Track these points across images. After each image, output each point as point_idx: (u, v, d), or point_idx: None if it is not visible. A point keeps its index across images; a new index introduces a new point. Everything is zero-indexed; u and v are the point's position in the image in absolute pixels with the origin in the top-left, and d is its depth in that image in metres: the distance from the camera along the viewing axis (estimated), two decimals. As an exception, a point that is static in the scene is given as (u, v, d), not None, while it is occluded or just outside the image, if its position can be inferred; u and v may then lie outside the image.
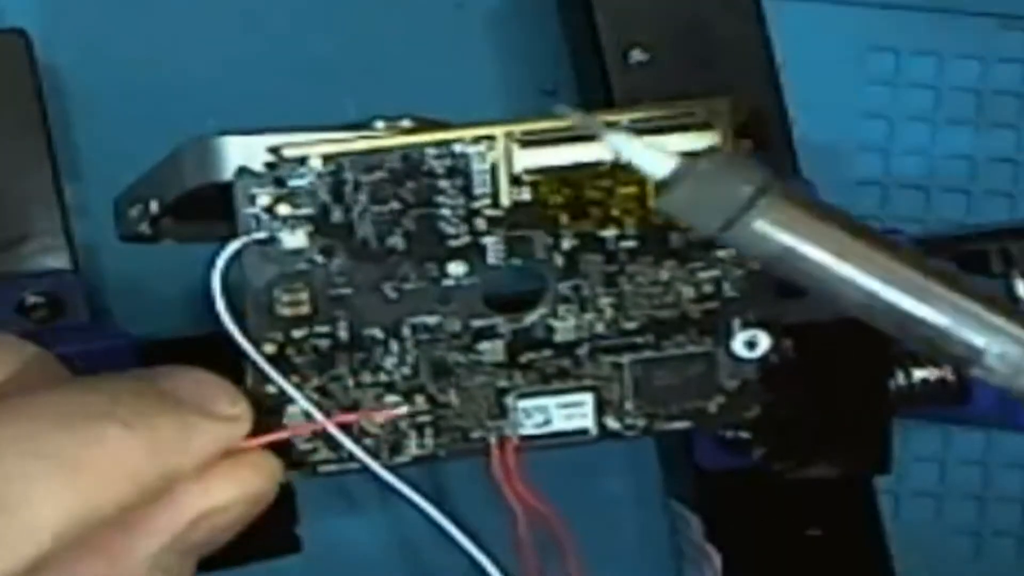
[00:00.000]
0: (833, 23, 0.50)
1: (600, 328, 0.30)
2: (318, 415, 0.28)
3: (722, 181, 0.24)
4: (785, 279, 0.25)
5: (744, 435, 0.34)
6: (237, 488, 0.25)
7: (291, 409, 0.29)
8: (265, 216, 0.28)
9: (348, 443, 0.29)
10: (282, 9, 0.48)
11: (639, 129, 0.29)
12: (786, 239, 0.24)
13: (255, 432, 0.26)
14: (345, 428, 0.29)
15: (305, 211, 0.28)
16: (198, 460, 0.24)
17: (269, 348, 0.29)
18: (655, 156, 0.25)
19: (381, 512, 0.46)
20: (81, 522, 0.23)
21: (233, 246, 0.28)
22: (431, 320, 0.29)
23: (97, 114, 0.46)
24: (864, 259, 0.24)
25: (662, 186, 0.25)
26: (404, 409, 0.29)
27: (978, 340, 0.23)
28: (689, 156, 0.25)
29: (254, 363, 0.28)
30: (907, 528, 0.48)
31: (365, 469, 0.29)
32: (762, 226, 0.24)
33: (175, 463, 0.24)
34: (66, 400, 0.24)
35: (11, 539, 0.22)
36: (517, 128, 0.29)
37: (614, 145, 0.26)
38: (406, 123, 0.29)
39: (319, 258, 0.29)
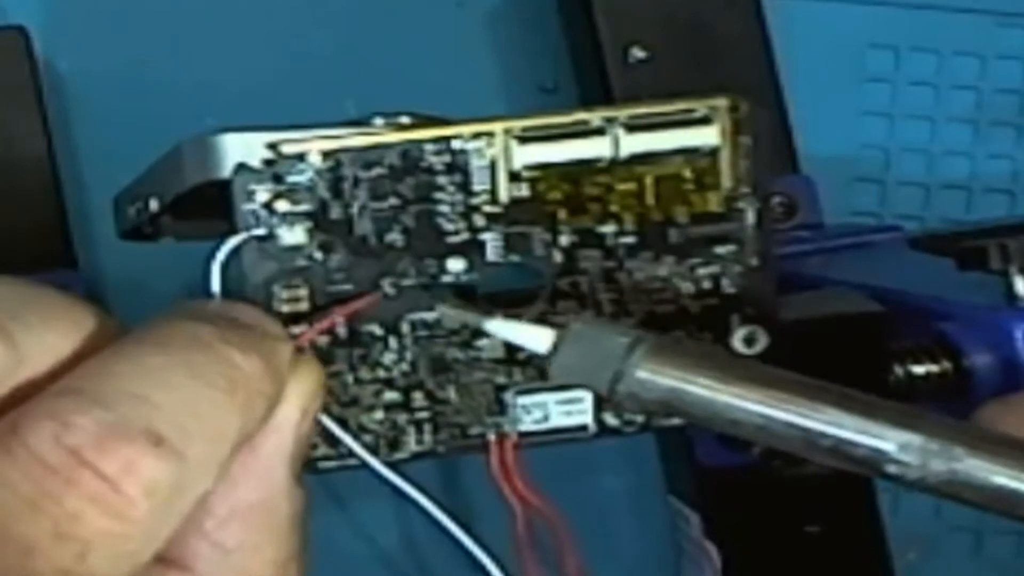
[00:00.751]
0: (832, 20, 0.50)
1: (599, 324, 0.30)
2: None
3: (598, 338, 0.26)
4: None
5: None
6: (310, 381, 0.27)
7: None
8: (264, 212, 0.28)
9: (347, 439, 0.29)
10: (282, 9, 0.48)
11: (638, 127, 0.29)
12: (674, 380, 0.25)
13: None
14: (344, 424, 0.29)
15: (304, 207, 0.28)
16: (285, 373, 0.27)
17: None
18: (533, 333, 0.27)
19: (381, 508, 0.46)
20: (239, 440, 0.25)
21: (232, 242, 0.28)
22: (430, 316, 0.29)
23: (97, 114, 0.46)
24: (753, 385, 0.25)
25: (549, 359, 0.26)
26: (372, 297, 0.29)
27: (876, 441, 0.24)
28: (562, 326, 0.26)
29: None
30: (906, 525, 0.48)
31: (364, 466, 0.29)
32: (646, 372, 0.25)
33: (281, 378, 0.26)
34: (188, 330, 0.25)
35: (205, 456, 0.23)
36: (516, 124, 0.29)
37: (494, 330, 0.28)
38: (405, 119, 0.29)
39: (318, 254, 0.29)
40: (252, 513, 0.25)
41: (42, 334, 0.24)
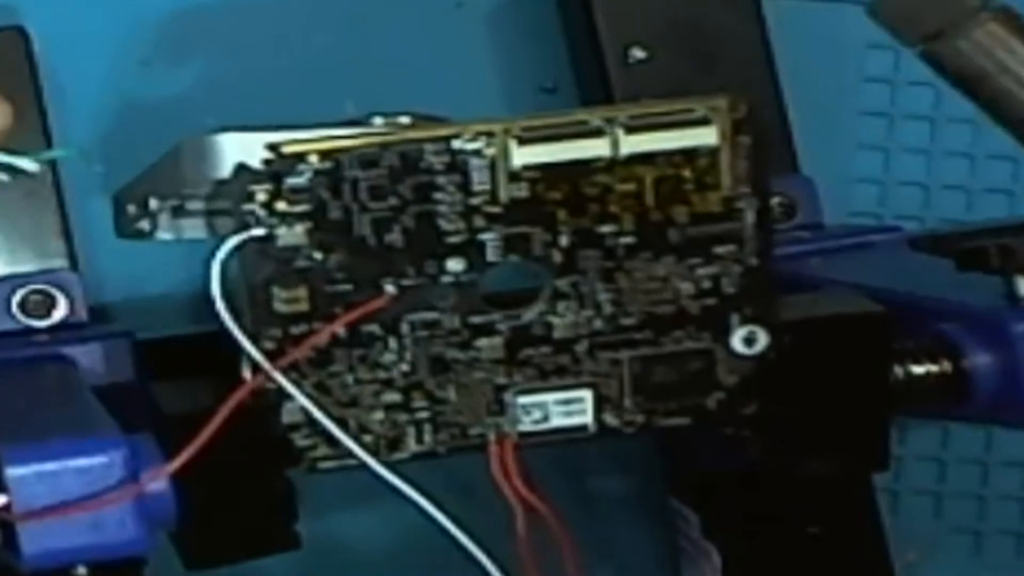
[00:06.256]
0: (832, 20, 0.50)
1: (598, 324, 0.30)
2: (316, 411, 0.29)
3: None
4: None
5: (743, 432, 0.34)
6: None
7: (289, 405, 0.29)
8: (263, 213, 0.28)
9: (346, 440, 0.29)
10: (282, 9, 0.48)
11: (638, 127, 0.29)
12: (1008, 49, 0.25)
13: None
14: (344, 425, 0.29)
15: (303, 208, 0.28)
16: None
17: (268, 345, 0.29)
18: None
19: (381, 508, 0.46)
20: None
21: (231, 243, 0.28)
22: (429, 316, 0.29)
23: (97, 114, 0.46)
24: None
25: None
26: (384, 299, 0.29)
27: None
28: None
29: (252, 360, 0.28)
30: (906, 525, 0.48)
31: (364, 466, 0.29)
32: (987, 32, 0.25)
33: None
34: None
35: None
36: (515, 125, 0.29)
37: None
38: (405, 120, 0.29)
39: (317, 255, 0.29)
40: None
41: None
